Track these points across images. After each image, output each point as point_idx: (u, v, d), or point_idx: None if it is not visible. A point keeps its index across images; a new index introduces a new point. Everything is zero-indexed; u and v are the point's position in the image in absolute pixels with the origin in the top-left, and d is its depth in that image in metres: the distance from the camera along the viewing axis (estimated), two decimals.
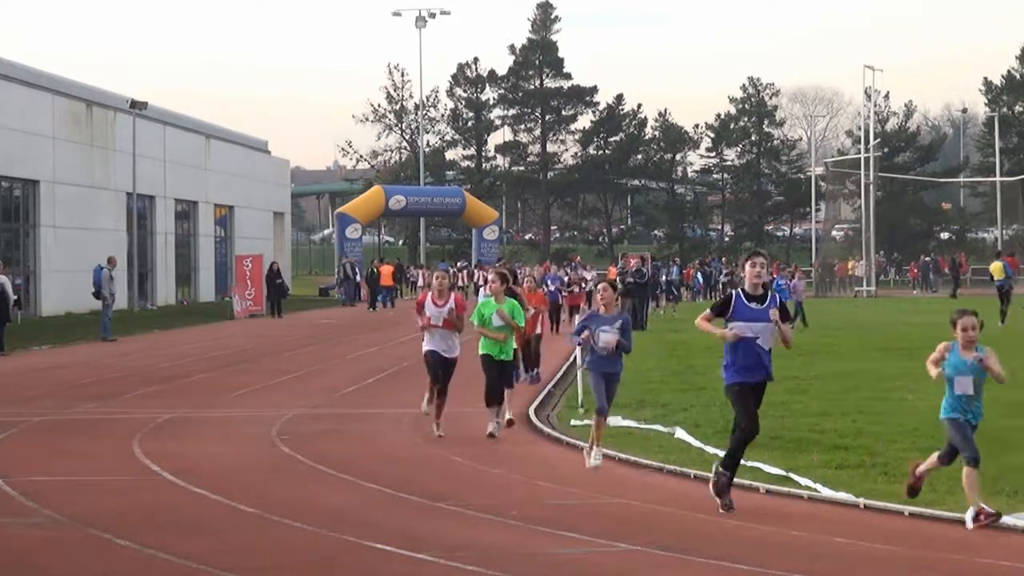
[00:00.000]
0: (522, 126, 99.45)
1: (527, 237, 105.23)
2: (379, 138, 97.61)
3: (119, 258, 51.85)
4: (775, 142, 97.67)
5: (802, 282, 38.75)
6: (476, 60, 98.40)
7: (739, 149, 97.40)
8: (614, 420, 16.21)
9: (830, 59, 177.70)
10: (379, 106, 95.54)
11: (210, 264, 63.92)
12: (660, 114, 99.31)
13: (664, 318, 43.61)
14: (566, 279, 41.20)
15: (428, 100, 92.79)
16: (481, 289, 31.45)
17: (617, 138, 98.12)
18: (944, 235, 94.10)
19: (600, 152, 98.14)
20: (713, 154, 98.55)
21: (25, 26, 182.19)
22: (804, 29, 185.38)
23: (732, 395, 10.98)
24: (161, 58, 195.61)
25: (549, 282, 37.00)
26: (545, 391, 20.29)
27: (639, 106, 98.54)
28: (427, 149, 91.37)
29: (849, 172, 79.63)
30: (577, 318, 19.65)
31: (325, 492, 11.92)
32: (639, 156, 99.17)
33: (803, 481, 11.68)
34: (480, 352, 15.86)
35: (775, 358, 11.09)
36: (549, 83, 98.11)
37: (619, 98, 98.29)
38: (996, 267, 36.94)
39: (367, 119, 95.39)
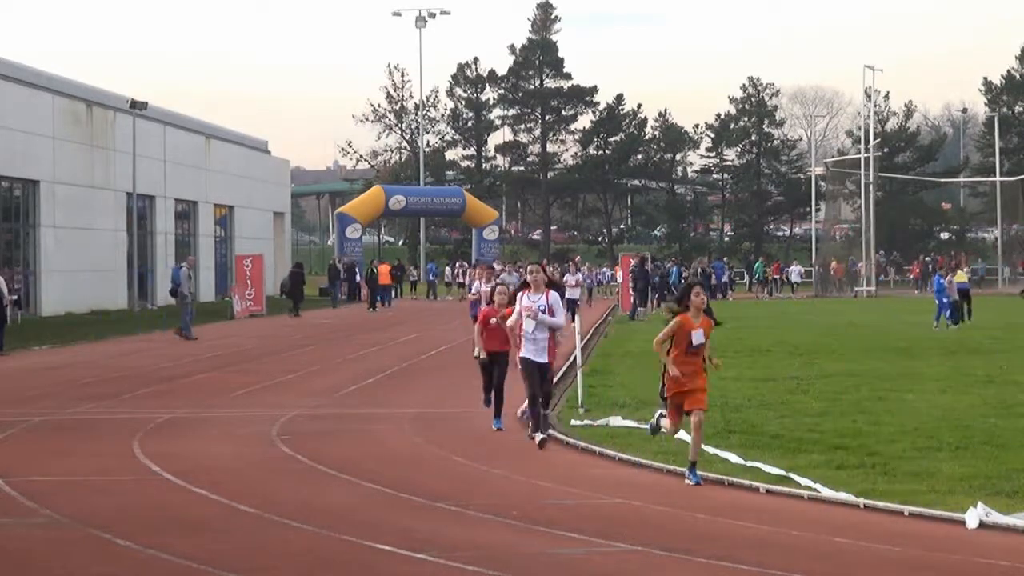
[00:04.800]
0: (522, 126, 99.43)
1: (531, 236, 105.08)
2: (379, 138, 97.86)
3: (118, 258, 52.00)
4: (775, 142, 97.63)
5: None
6: (476, 60, 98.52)
7: (739, 149, 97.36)
8: (614, 420, 16.19)
9: (830, 59, 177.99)
10: (379, 106, 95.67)
11: (210, 264, 63.92)
12: (660, 114, 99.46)
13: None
14: None
15: (428, 100, 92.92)
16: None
17: (617, 138, 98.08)
18: (944, 235, 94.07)
19: (600, 152, 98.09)
20: (713, 154, 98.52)
21: (25, 26, 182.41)
22: (804, 29, 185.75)
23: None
24: (161, 58, 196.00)
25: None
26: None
27: (639, 106, 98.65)
28: (427, 149, 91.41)
29: (849, 172, 79.62)
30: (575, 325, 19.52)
31: (325, 492, 11.91)
32: (639, 156, 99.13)
33: (803, 481, 11.67)
34: None
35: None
36: (549, 83, 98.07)
37: (619, 98, 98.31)
38: (959, 273, 39.69)
39: (367, 119, 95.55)
